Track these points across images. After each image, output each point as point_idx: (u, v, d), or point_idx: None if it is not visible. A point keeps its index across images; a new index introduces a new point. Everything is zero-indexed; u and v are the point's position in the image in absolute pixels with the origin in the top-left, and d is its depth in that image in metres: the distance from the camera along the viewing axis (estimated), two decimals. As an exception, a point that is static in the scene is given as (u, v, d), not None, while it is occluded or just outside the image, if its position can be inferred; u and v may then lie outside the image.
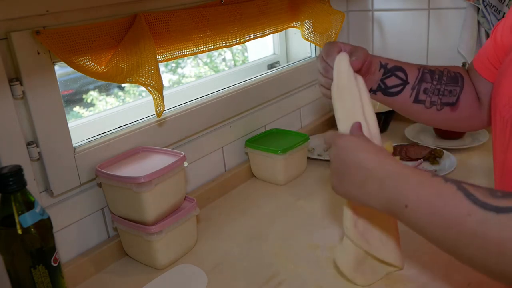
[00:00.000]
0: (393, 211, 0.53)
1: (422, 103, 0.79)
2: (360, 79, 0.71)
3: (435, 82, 0.78)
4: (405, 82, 0.78)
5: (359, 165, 0.58)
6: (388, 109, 1.33)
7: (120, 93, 1.27)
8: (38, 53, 0.74)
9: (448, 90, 0.78)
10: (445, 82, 0.78)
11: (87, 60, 0.80)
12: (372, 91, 0.78)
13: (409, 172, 0.53)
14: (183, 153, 0.87)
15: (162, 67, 1.17)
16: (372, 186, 0.56)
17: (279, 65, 1.43)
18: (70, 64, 0.77)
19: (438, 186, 0.49)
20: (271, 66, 1.41)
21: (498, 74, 0.67)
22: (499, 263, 0.43)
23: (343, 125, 0.68)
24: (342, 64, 0.69)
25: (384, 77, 0.77)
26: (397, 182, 0.53)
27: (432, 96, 0.78)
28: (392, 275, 0.76)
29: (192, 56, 1.38)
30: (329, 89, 0.71)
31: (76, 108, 1.11)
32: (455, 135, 1.29)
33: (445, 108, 0.79)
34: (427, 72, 0.78)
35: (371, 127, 0.69)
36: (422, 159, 1.16)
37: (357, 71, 0.71)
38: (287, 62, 1.45)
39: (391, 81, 0.78)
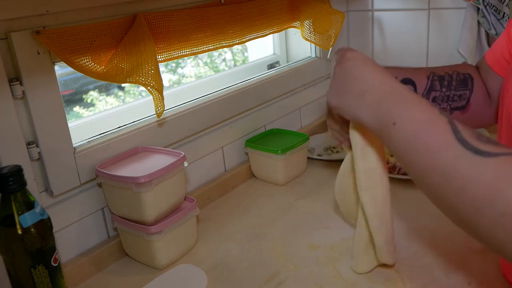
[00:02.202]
0: (380, 127, 0.54)
1: None
2: None
3: (444, 89, 0.78)
4: None
5: (362, 78, 0.58)
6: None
7: (120, 93, 1.27)
8: (38, 53, 0.74)
9: (457, 95, 0.78)
10: (454, 87, 0.78)
11: (87, 60, 0.80)
12: None
13: (409, 94, 0.53)
14: (183, 153, 0.87)
15: (162, 67, 1.17)
16: (369, 99, 0.56)
17: (279, 65, 1.42)
18: (70, 64, 0.77)
19: (431, 113, 0.49)
20: (271, 66, 1.41)
21: (510, 69, 0.67)
22: (459, 200, 0.44)
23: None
24: None
25: None
26: (394, 100, 0.53)
27: (441, 103, 0.78)
28: (392, 275, 0.76)
29: (192, 56, 1.39)
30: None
31: (76, 108, 1.11)
32: (455, 135, 1.29)
33: (455, 112, 0.79)
34: (436, 79, 0.78)
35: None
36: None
37: None
38: (287, 62, 1.45)
39: None
